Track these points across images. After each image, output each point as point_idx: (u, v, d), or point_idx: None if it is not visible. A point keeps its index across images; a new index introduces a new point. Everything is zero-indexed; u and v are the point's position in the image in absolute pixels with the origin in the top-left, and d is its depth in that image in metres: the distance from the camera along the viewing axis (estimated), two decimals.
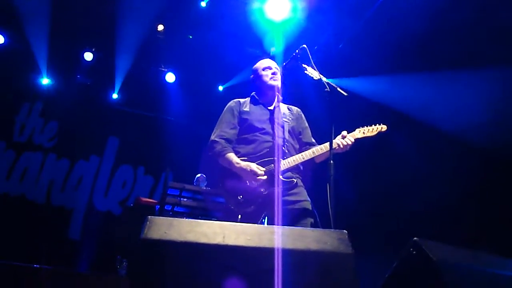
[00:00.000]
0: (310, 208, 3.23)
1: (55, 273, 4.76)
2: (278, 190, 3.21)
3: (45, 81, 8.77)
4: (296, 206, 3.21)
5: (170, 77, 9.12)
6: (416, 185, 5.62)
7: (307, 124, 3.75)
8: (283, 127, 3.49)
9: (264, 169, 3.26)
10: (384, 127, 3.42)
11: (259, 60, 3.87)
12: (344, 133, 3.37)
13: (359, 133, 3.41)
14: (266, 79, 3.65)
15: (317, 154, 3.31)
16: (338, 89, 3.15)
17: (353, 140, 3.35)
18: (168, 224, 1.97)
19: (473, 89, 4.90)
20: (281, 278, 1.87)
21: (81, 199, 8.97)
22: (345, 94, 3.13)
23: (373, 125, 3.43)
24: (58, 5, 7.36)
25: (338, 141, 3.30)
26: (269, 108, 3.61)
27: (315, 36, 7.40)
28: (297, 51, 3.35)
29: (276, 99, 3.68)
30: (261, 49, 7.91)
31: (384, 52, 6.24)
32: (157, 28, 8.11)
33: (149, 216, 1.99)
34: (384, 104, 5.93)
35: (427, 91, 5.46)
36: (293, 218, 3.13)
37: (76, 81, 9.04)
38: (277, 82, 3.66)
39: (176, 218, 2.05)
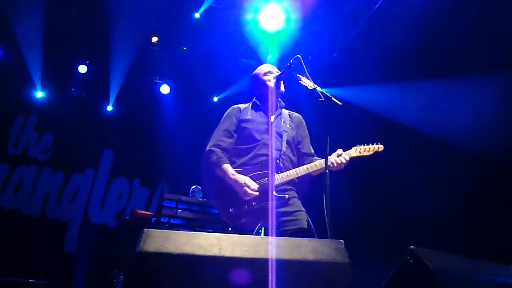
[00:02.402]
0: (305, 226, 3.19)
1: (51, 287, 4.72)
2: (273, 204, 3.19)
3: (40, 94, 8.75)
4: (289, 217, 3.19)
5: (164, 89, 9.12)
6: (412, 194, 5.63)
7: (307, 133, 3.70)
8: (281, 137, 3.47)
9: (257, 185, 3.24)
10: (381, 147, 3.40)
11: (254, 70, 3.84)
12: (340, 151, 3.35)
13: (355, 151, 3.39)
14: (269, 84, 3.61)
15: (311, 170, 3.30)
16: (333, 98, 3.15)
17: (348, 159, 3.33)
18: (164, 237, 1.97)
19: (469, 97, 4.94)
20: None
21: (76, 212, 8.92)
22: (340, 103, 3.14)
23: (370, 145, 3.41)
24: (52, 17, 7.37)
25: (333, 159, 3.27)
26: (270, 115, 3.55)
27: (309, 46, 7.45)
28: (291, 61, 3.35)
29: (278, 105, 3.65)
30: (255, 59, 7.94)
31: (378, 61, 6.28)
32: (151, 40, 8.13)
33: (145, 229, 1.98)
34: (379, 113, 5.96)
35: (422, 100, 5.49)
36: (285, 232, 3.11)
37: (70, 93, 9.02)
38: (281, 87, 3.64)
39: (173, 231, 2.05)
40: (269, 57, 7.49)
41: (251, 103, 3.70)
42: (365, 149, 3.39)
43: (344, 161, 3.30)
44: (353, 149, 3.40)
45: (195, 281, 1.90)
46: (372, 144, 3.41)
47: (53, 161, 8.93)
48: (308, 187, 3.56)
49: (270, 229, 3.06)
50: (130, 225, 6.52)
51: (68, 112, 8.91)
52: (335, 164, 3.27)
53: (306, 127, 3.73)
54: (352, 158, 3.36)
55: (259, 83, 3.69)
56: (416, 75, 5.60)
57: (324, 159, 3.04)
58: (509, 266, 3.02)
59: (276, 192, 3.25)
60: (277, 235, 3.02)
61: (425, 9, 5.38)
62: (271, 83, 3.61)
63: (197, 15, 7.46)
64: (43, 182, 8.77)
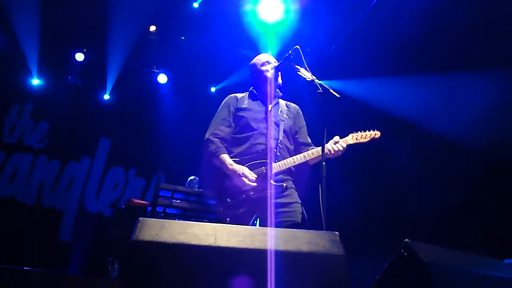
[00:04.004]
0: (299, 220, 3.20)
1: (46, 275, 4.72)
2: (271, 193, 3.20)
3: (36, 81, 8.68)
4: (285, 209, 3.20)
5: (162, 78, 9.09)
6: (409, 188, 5.66)
7: (304, 123, 3.71)
8: (278, 126, 3.47)
9: (255, 175, 3.25)
10: (377, 134, 3.41)
11: (252, 60, 3.83)
12: (337, 138, 3.36)
13: (351, 139, 3.40)
14: (267, 74, 3.60)
15: (308, 158, 3.31)
16: (331, 90, 3.15)
17: (345, 146, 3.33)
18: (159, 226, 1.97)
19: (468, 91, 4.93)
20: (273, 280, 1.87)
21: (72, 201, 8.90)
22: (338, 95, 3.13)
23: (366, 131, 3.42)
24: (49, 5, 7.31)
25: (330, 146, 3.28)
26: (267, 104, 3.55)
27: (308, 38, 7.42)
28: (290, 52, 3.34)
29: (275, 95, 3.63)
30: (254, 50, 7.90)
31: (378, 54, 6.27)
32: (149, 29, 8.08)
33: (140, 218, 1.98)
34: (377, 106, 5.95)
35: (421, 93, 5.49)
36: (281, 223, 3.13)
37: (67, 82, 8.96)
38: (278, 78, 3.63)
39: (167, 220, 2.04)
40: (269, 52, 7.46)
41: (248, 92, 3.69)
42: (361, 135, 3.40)
43: (341, 148, 3.31)
44: (350, 136, 3.41)
45: (190, 271, 1.90)
46: (369, 130, 3.42)
47: (49, 149, 8.88)
48: (306, 177, 3.57)
49: (268, 218, 3.07)
50: (126, 214, 6.52)
51: (64, 101, 8.85)
52: (332, 152, 3.28)
53: (303, 117, 3.73)
54: (349, 146, 3.37)
55: (256, 73, 3.68)
56: (416, 68, 5.59)
57: (321, 147, 3.04)
58: (502, 261, 3.04)
59: (274, 181, 3.25)
60: (273, 225, 3.04)
61: (426, 2, 5.36)
62: (269, 74, 3.60)
63: (196, 5, 7.42)
64: (38, 170, 8.74)
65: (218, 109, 3.63)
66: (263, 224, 3.24)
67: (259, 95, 3.61)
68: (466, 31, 5.02)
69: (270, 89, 3.60)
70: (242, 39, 7.83)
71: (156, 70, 9.09)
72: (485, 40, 4.83)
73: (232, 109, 3.56)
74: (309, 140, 3.62)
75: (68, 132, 8.92)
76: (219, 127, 3.50)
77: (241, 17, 7.14)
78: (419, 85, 5.48)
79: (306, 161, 3.35)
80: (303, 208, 3.28)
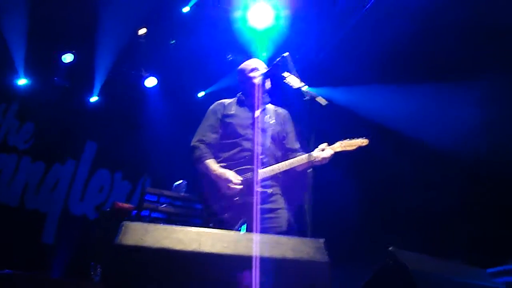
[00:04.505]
0: (285, 227, 3.20)
1: (28, 278, 4.65)
2: (257, 199, 3.20)
3: (22, 81, 8.55)
4: (271, 215, 3.20)
5: (150, 82, 9.04)
6: (395, 195, 5.68)
7: (293, 128, 3.70)
8: (265, 132, 3.47)
9: (240, 178, 3.24)
10: (365, 142, 3.43)
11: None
12: (324, 145, 3.37)
13: (339, 146, 3.41)
14: (255, 80, 3.60)
15: (294, 165, 3.32)
16: (318, 98, 3.16)
17: (332, 153, 3.35)
18: (143, 230, 1.95)
19: (457, 100, 4.99)
20: (257, 286, 1.86)
21: (56, 203, 8.77)
22: (324, 103, 3.14)
23: (354, 139, 3.43)
24: (38, 4, 7.24)
25: (316, 153, 3.29)
26: (255, 110, 3.56)
27: (298, 44, 7.44)
28: (278, 59, 3.35)
29: (263, 101, 3.64)
30: (244, 56, 7.90)
31: (367, 61, 6.30)
32: (138, 32, 8.04)
33: (124, 222, 1.96)
34: (365, 114, 5.98)
35: (410, 102, 5.53)
36: (267, 229, 3.12)
37: (54, 83, 8.85)
38: (266, 84, 3.63)
39: (152, 224, 2.03)
40: (264, 54, 7.43)
41: (235, 98, 3.69)
42: (349, 143, 3.41)
43: (327, 155, 3.31)
44: (337, 143, 3.42)
45: (174, 276, 1.89)
46: (357, 138, 3.43)
47: (34, 150, 8.75)
48: (293, 184, 3.57)
49: (254, 225, 3.06)
50: (110, 218, 6.44)
51: (51, 102, 8.74)
52: (319, 159, 3.28)
53: (292, 123, 3.72)
54: (337, 153, 3.38)
55: (244, 79, 3.68)
56: (405, 77, 5.63)
57: (308, 154, 3.05)
58: (484, 270, 3.07)
59: (260, 187, 3.25)
60: (259, 231, 3.03)
61: (416, 11, 5.41)
62: (257, 80, 3.59)
63: (186, 9, 7.41)
64: (22, 171, 8.60)
65: (205, 116, 3.63)
66: (250, 230, 3.23)
67: (246, 101, 3.61)
68: (456, 40, 5.08)
69: (258, 95, 3.60)
70: (231, 45, 7.83)
71: (144, 74, 9.03)
72: (474, 51, 4.88)
73: (219, 115, 3.57)
74: (297, 146, 3.62)
75: (54, 134, 8.79)
76: (205, 133, 3.50)
77: (231, 23, 7.15)
78: (408, 93, 5.52)
79: (294, 168, 3.35)
80: (290, 214, 3.28)
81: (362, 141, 3.42)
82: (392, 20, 5.81)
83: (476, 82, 4.69)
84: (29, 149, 8.73)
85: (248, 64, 3.74)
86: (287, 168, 3.31)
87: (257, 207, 3.15)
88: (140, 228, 1.96)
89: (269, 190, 3.28)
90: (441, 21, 5.19)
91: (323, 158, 3.30)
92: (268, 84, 3.65)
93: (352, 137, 3.43)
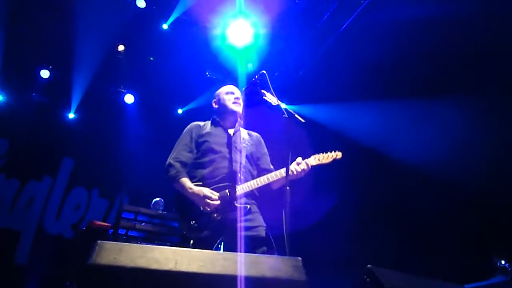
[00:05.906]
0: (264, 235, 3.22)
1: None
2: (235, 215, 3.19)
3: None
4: (250, 233, 3.19)
5: (129, 99, 8.99)
6: (372, 214, 5.73)
7: (266, 150, 3.79)
8: (241, 152, 3.50)
9: (218, 194, 3.24)
10: (339, 154, 3.48)
11: (220, 84, 3.92)
12: (299, 159, 3.41)
13: (314, 160, 3.45)
14: (229, 103, 3.69)
15: (271, 180, 3.33)
16: (296, 115, 3.20)
17: (308, 167, 3.38)
18: (118, 250, 1.91)
19: (433, 119, 5.08)
20: None
21: (30, 221, 8.54)
22: (303, 121, 3.17)
23: (328, 152, 3.48)
24: (16, 19, 7.16)
25: (293, 167, 3.33)
26: (229, 131, 3.63)
27: (277, 62, 7.51)
28: (256, 76, 3.39)
29: (237, 124, 3.72)
30: (222, 73, 7.94)
31: (345, 79, 6.40)
32: (117, 48, 8.02)
33: (98, 241, 1.92)
34: (342, 132, 6.05)
35: (386, 120, 5.61)
36: (246, 246, 3.11)
37: (31, 98, 8.72)
38: (239, 108, 3.71)
39: (127, 243, 1.99)
40: (250, 65, 7.42)
41: (210, 120, 3.75)
42: (323, 156, 3.46)
43: (304, 167, 3.35)
44: (312, 157, 3.47)
45: None
46: (331, 151, 3.48)
47: (8, 168, 8.56)
48: (270, 202, 3.58)
49: (238, 241, 3.05)
50: (86, 236, 6.31)
51: (27, 118, 8.59)
52: (295, 172, 3.32)
53: (264, 145, 3.83)
54: (312, 167, 3.41)
55: (220, 102, 3.77)
56: (381, 95, 5.73)
57: (284, 169, 3.06)
58: (462, 286, 3.10)
59: (238, 203, 3.25)
60: (237, 248, 3.01)
61: (394, 30, 5.53)
62: (230, 103, 3.69)
63: (165, 26, 7.43)
64: None
65: (181, 136, 3.69)
66: (227, 248, 3.21)
67: (221, 123, 3.67)
68: (433, 58, 5.20)
69: (233, 118, 3.69)
70: (210, 62, 7.87)
71: (123, 90, 8.98)
72: (451, 68, 5.00)
73: (194, 135, 3.62)
74: (272, 167, 3.66)
75: (30, 151, 8.62)
76: (181, 152, 3.53)
77: (211, 40, 7.19)
78: (383, 110, 5.62)
79: (269, 185, 3.37)
80: (268, 231, 3.28)
81: (336, 154, 3.48)
82: (370, 39, 5.93)
83: (451, 100, 4.80)
84: (3, 166, 8.52)
85: (223, 88, 3.85)
86: (264, 183, 3.33)
87: (241, 223, 3.15)
88: (115, 248, 1.92)
89: (248, 206, 3.28)
90: (419, 41, 5.31)
91: (299, 172, 3.34)
92: (241, 108, 3.72)
93: (326, 151, 3.48)
